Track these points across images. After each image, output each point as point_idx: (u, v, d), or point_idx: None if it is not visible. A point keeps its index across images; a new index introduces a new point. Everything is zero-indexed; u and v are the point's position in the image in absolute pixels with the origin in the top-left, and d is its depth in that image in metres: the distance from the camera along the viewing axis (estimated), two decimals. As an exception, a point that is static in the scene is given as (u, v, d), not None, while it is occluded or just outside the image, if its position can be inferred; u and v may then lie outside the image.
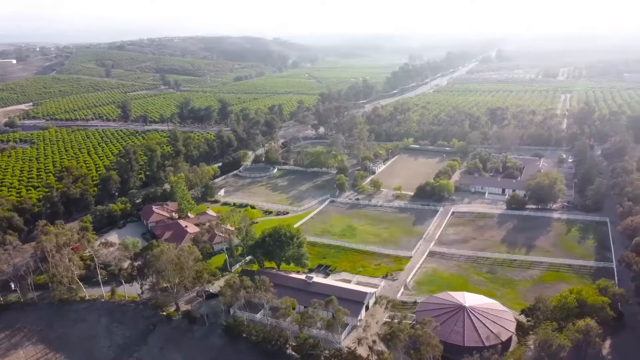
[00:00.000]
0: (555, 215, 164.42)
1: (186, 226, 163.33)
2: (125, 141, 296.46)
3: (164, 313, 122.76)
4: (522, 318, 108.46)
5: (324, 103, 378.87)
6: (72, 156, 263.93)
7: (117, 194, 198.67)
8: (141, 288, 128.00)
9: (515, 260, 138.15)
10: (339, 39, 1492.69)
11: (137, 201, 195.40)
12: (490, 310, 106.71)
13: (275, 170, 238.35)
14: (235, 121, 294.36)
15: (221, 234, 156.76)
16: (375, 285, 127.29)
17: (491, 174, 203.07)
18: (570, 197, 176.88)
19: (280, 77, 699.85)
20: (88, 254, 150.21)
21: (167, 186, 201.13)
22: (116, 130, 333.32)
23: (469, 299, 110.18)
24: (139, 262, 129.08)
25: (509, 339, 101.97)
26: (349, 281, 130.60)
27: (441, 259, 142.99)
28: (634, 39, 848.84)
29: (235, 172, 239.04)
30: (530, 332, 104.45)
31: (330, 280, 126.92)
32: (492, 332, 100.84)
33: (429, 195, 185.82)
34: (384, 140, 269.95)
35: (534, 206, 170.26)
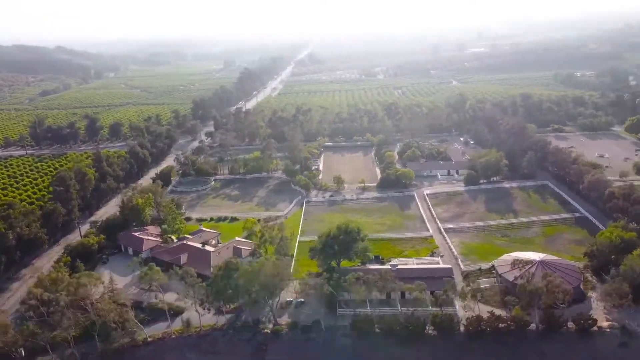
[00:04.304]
0: (506, 185, 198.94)
1: (203, 245, 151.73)
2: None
3: (267, 330, 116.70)
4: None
5: (197, 111, 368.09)
6: None
7: (78, 225, 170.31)
8: (235, 312, 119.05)
9: (513, 223, 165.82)
10: (133, 46, 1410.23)
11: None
12: (556, 261, 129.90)
13: (213, 181, 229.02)
14: (139, 135, 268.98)
15: (247, 247, 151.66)
16: (436, 263, 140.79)
17: (425, 160, 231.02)
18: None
19: (95, 89, 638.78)
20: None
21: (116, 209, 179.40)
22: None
23: (533, 256, 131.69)
24: (215, 287, 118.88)
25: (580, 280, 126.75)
26: (405, 264, 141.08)
27: (457, 233, 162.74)
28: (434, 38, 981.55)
29: (170, 188, 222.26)
30: (586, 271, 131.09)
31: (409, 265, 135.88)
32: (571, 275, 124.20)
33: (393, 184, 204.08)
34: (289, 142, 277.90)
35: (484, 180, 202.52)
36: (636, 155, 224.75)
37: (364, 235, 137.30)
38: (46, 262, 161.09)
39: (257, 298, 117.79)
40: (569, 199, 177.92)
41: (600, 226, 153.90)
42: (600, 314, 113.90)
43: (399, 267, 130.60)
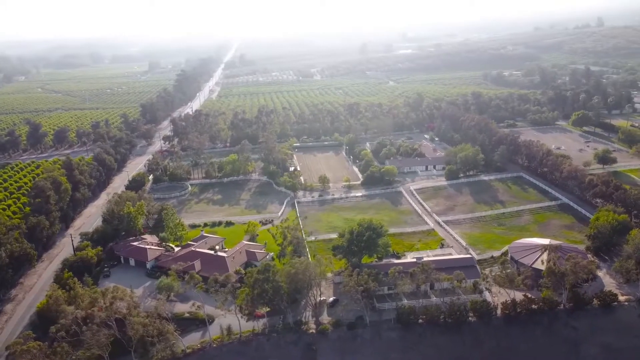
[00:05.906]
0: (484, 178, 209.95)
1: (215, 252, 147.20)
2: None
3: (312, 331, 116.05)
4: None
5: (144, 115, 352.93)
6: None
7: (72, 237, 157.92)
8: (283, 313, 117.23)
9: (503, 213, 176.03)
10: (40, 47, 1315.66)
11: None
12: (562, 245, 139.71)
13: (190, 186, 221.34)
14: (101, 141, 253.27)
15: (259, 250, 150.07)
16: (448, 254, 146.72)
17: (400, 157, 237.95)
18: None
19: (10, 94, 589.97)
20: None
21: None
22: None
23: (541, 241, 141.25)
24: (257, 290, 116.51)
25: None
26: (421, 257, 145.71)
27: (455, 224, 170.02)
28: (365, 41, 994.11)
29: (145, 194, 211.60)
30: (588, 252, 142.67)
31: (433, 257, 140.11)
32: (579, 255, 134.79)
33: (378, 181, 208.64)
34: (255, 144, 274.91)
35: (462, 174, 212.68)
36: (587, 146, 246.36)
37: (384, 230, 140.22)
38: (36, 280, 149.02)
39: (301, 298, 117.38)
40: (548, 188, 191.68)
41: (584, 212, 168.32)
42: (614, 290, 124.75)
43: (424, 259, 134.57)
